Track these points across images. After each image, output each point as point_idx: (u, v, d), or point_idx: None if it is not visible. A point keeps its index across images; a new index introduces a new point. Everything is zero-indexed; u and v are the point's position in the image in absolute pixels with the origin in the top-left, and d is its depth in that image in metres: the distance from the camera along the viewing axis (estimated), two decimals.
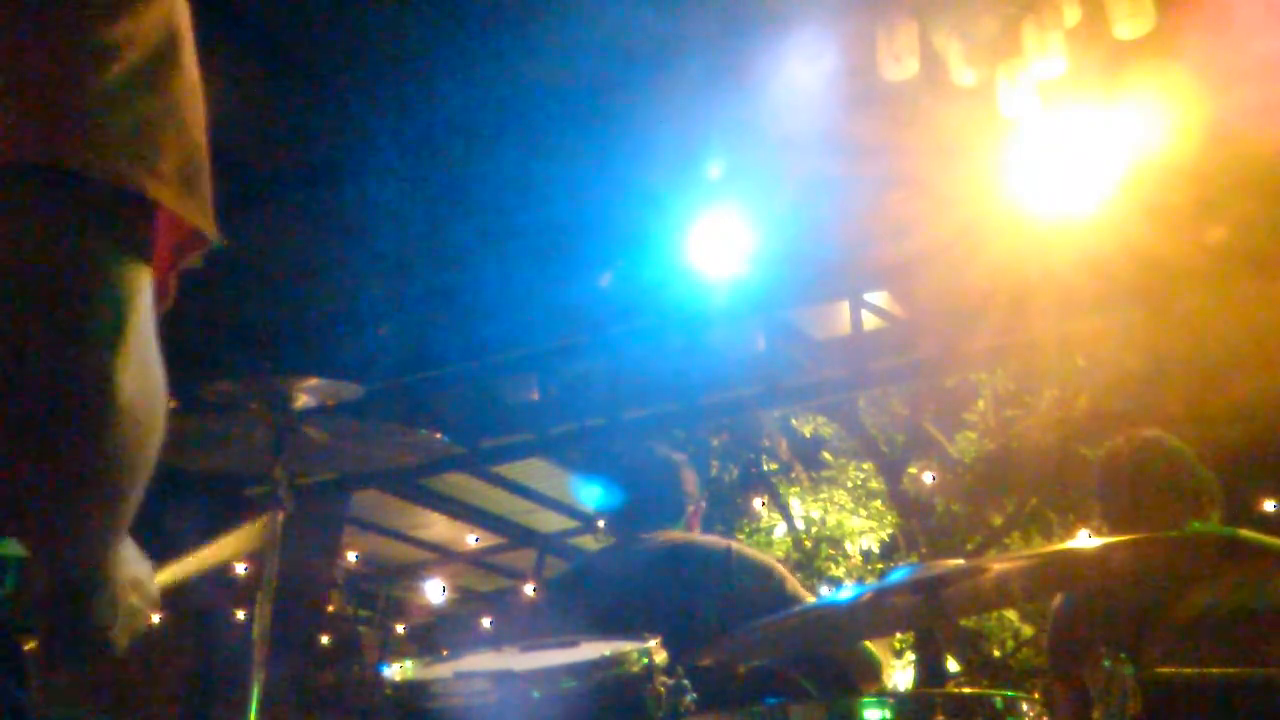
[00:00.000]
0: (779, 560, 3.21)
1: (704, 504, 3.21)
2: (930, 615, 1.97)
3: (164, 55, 0.79)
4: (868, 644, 2.73)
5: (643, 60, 3.93)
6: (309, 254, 4.97)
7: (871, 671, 2.71)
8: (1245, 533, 2.67)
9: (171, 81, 0.80)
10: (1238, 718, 2.16)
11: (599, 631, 1.95)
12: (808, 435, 10.13)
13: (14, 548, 0.92)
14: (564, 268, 4.95)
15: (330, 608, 10.37)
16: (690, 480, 3.14)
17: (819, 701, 2.07)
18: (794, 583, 2.90)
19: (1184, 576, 2.57)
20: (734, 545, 2.91)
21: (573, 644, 1.86)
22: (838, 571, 9.68)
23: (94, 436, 0.74)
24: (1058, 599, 2.92)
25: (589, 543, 10.15)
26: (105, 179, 0.72)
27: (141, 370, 0.76)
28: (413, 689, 1.80)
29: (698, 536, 3.04)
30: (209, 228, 0.81)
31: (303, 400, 2.41)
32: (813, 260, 4.92)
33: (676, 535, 2.97)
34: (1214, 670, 2.25)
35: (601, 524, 3.35)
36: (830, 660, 2.69)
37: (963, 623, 8.24)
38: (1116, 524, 2.89)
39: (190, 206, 0.79)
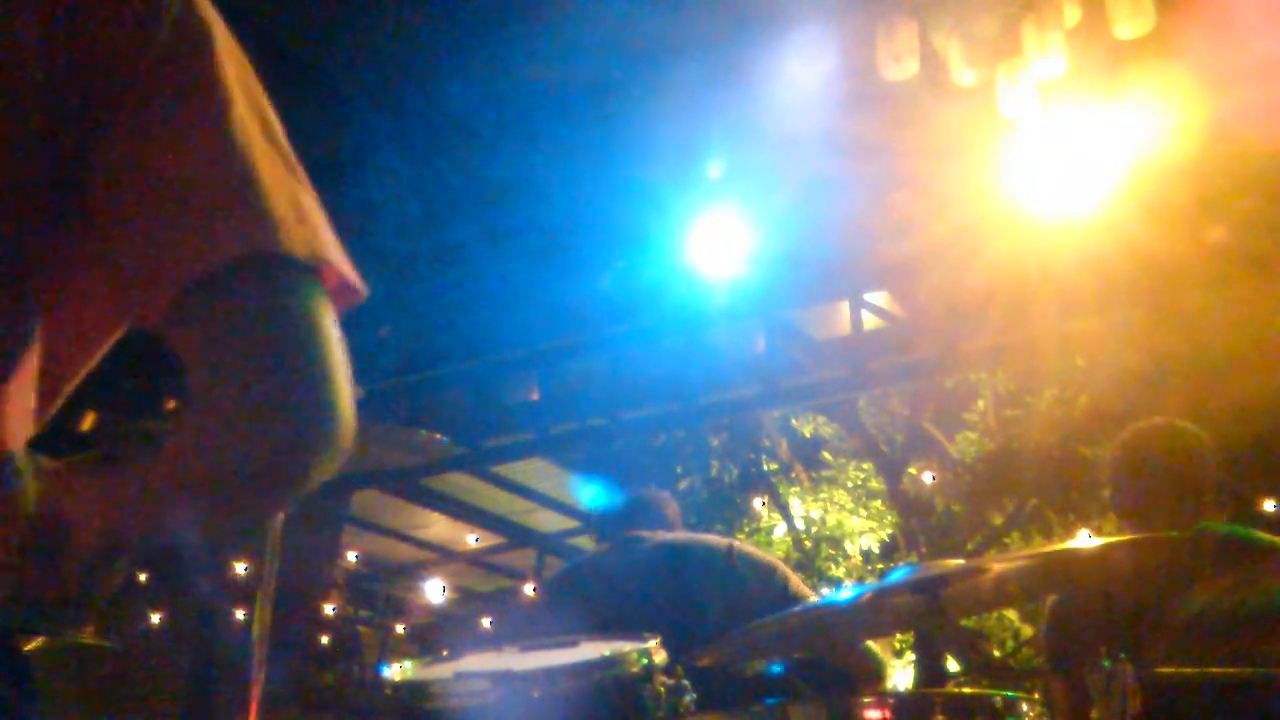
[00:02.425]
0: (779, 560, 3.21)
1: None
2: (930, 615, 1.97)
3: (280, 132, 0.92)
4: (871, 644, 2.73)
5: (643, 60, 3.93)
6: None
7: (874, 672, 2.71)
8: (1245, 531, 2.67)
9: (290, 150, 0.93)
10: (1238, 718, 2.17)
11: (599, 631, 1.95)
12: (808, 435, 10.12)
13: None
14: (564, 268, 4.94)
15: (330, 608, 10.37)
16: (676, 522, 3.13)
17: (819, 701, 2.07)
18: (796, 581, 2.89)
19: (1184, 576, 2.57)
20: (735, 543, 2.90)
21: (573, 644, 1.86)
22: (838, 571, 9.67)
23: (330, 461, 0.86)
24: (1053, 598, 2.92)
25: (589, 543, 10.15)
26: (307, 255, 0.86)
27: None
28: (413, 689, 1.80)
29: (698, 535, 3.04)
30: (358, 281, 0.93)
31: None
32: (813, 260, 4.92)
33: (676, 534, 2.96)
34: (1214, 670, 2.25)
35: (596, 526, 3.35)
36: (829, 661, 2.69)
37: (963, 623, 8.23)
38: (1122, 513, 2.89)
39: (347, 265, 0.92)
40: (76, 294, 0.89)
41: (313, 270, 0.87)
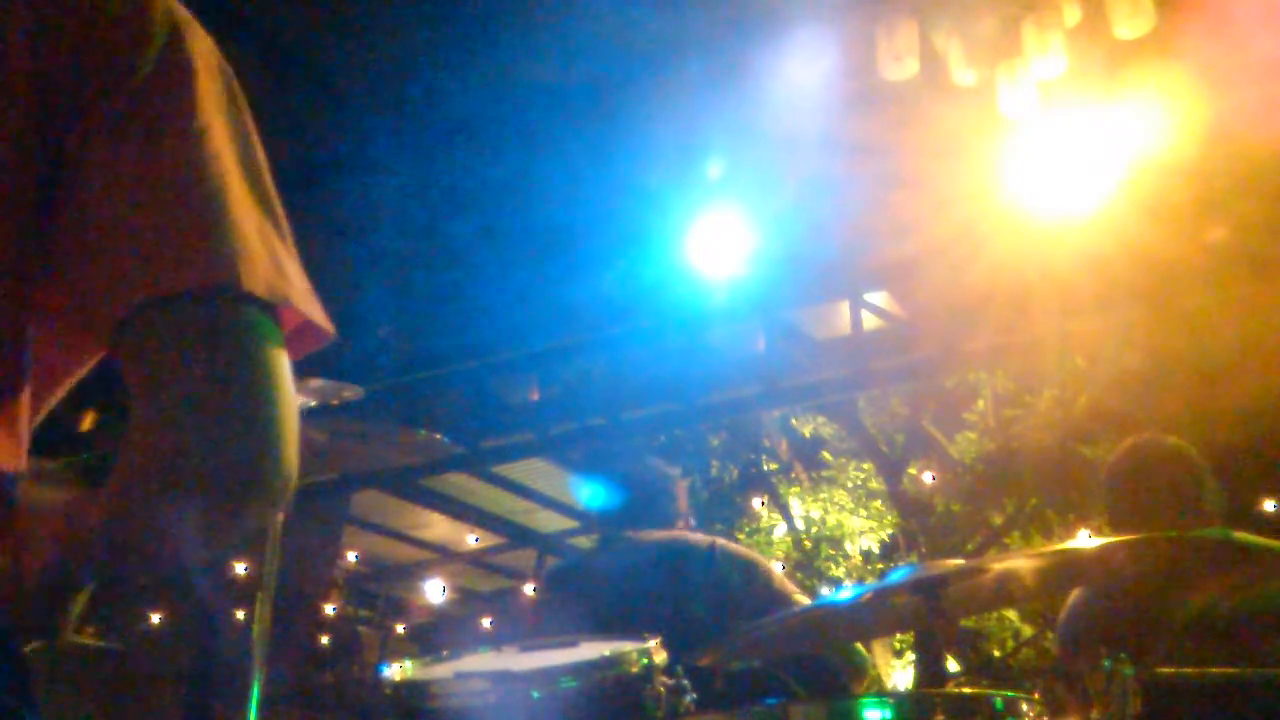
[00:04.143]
0: (778, 560, 3.22)
1: (692, 521, 3.22)
2: (930, 615, 1.97)
3: (263, 171, 0.92)
4: (857, 644, 2.74)
5: (643, 60, 3.93)
6: (309, 254, 4.96)
7: (859, 667, 2.72)
8: (1243, 534, 2.67)
9: (268, 176, 0.92)
10: (1238, 718, 2.16)
11: (596, 630, 1.95)
12: (808, 435, 10.13)
13: None
14: (564, 268, 4.95)
15: (330, 608, 10.37)
16: (682, 497, 3.14)
17: (819, 701, 2.07)
18: (779, 577, 2.90)
19: (1184, 576, 2.57)
20: (717, 541, 2.92)
21: (572, 644, 1.86)
22: (838, 571, 9.68)
23: (271, 505, 0.84)
24: (1073, 595, 2.92)
25: (589, 543, 10.14)
26: (266, 294, 0.84)
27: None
28: (413, 689, 1.80)
29: (682, 535, 3.05)
30: (327, 324, 0.92)
31: (303, 400, 2.41)
32: (813, 260, 4.92)
33: (662, 534, 2.98)
34: (1214, 670, 2.26)
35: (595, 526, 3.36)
36: (822, 660, 2.69)
37: (963, 623, 8.23)
38: (1120, 527, 2.89)
39: (313, 306, 0.90)
40: (43, 307, 0.89)
41: (269, 309, 0.85)
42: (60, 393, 0.97)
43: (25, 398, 0.89)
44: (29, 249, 0.86)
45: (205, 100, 0.89)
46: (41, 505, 0.89)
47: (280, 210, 0.92)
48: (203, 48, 0.92)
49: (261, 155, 0.93)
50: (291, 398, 0.85)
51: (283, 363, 0.85)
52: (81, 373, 0.98)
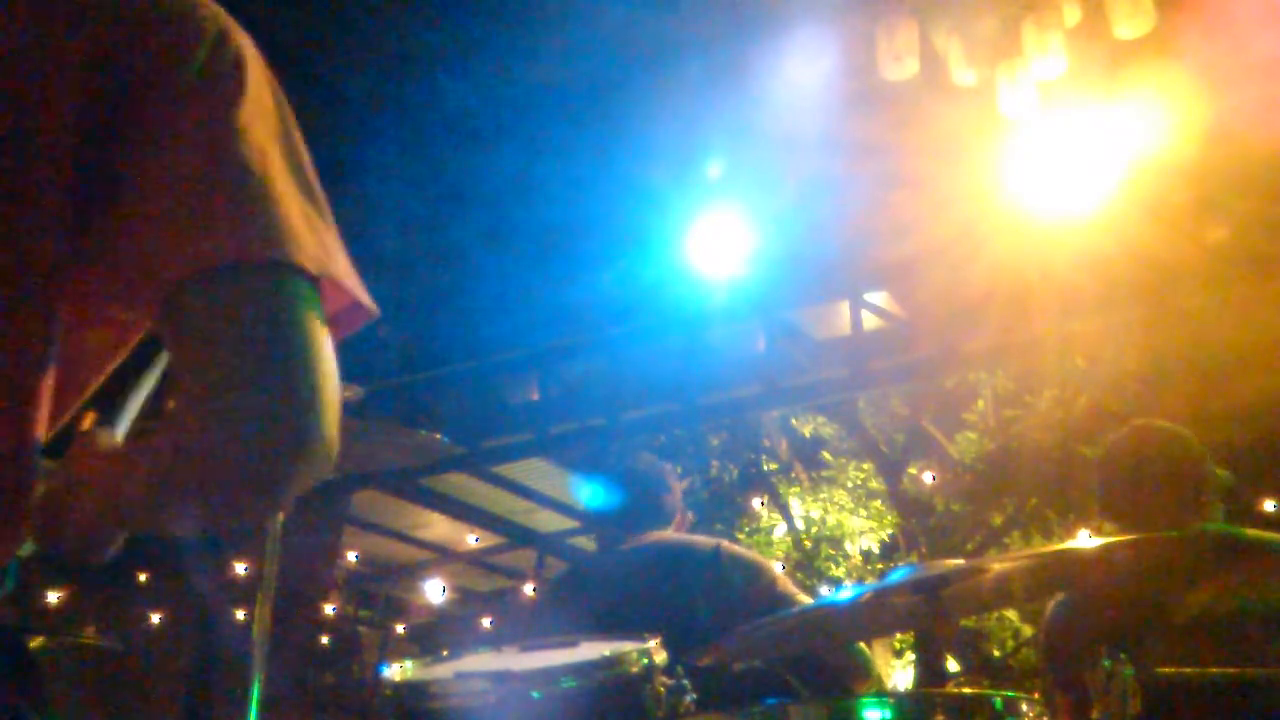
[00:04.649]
0: (778, 560, 3.22)
1: (691, 515, 3.21)
2: (930, 615, 1.97)
3: (308, 165, 0.95)
4: (860, 643, 2.74)
5: (643, 60, 3.93)
6: None
7: (864, 670, 2.72)
8: (1245, 531, 2.66)
9: (313, 173, 0.95)
10: (1238, 718, 2.16)
11: (598, 631, 1.95)
12: (808, 435, 10.13)
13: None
14: (564, 268, 4.95)
15: (330, 608, 10.37)
16: (677, 491, 3.14)
17: (819, 701, 2.07)
18: (784, 579, 2.89)
19: (1184, 576, 2.57)
20: (722, 543, 2.91)
21: (573, 644, 1.86)
22: (838, 571, 9.67)
23: (307, 473, 0.85)
24: (1054, 600, 2.91)
25: (589, 543, 10.14)
26: (311, 268, 0.87)
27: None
28: (413, 689, 1.80)
29: (686, 536, 3.04)
30: (371, 303, 0.95)
31: None
32: (813, 260, 4.93)
33: (666, 535, 2.98)
34: (1214, 670, 2.25)
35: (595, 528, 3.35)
36: (823, 661, 2.69)
37: (963, 623, 8.23)
38: (1116, 517, 2.87)
39: (359, 286, 0.94)
40: (78, 295, 0.91)
41: (315, 284, 0.88)
42: (97, 381, 0.99)
43: (49, 381, 0.90)
44: (65, 241, 0.87)
45: (251, 98, 0.93)
46: (90, 458, 0.93)
47: (324, 201, 0.95)
48: (247, 46, 0.96)
49: (303, 147, 0.97)
50: (333, 368, 0.87)
51: (325, 335, 0.87)
52: (118, 359, 1.00)
